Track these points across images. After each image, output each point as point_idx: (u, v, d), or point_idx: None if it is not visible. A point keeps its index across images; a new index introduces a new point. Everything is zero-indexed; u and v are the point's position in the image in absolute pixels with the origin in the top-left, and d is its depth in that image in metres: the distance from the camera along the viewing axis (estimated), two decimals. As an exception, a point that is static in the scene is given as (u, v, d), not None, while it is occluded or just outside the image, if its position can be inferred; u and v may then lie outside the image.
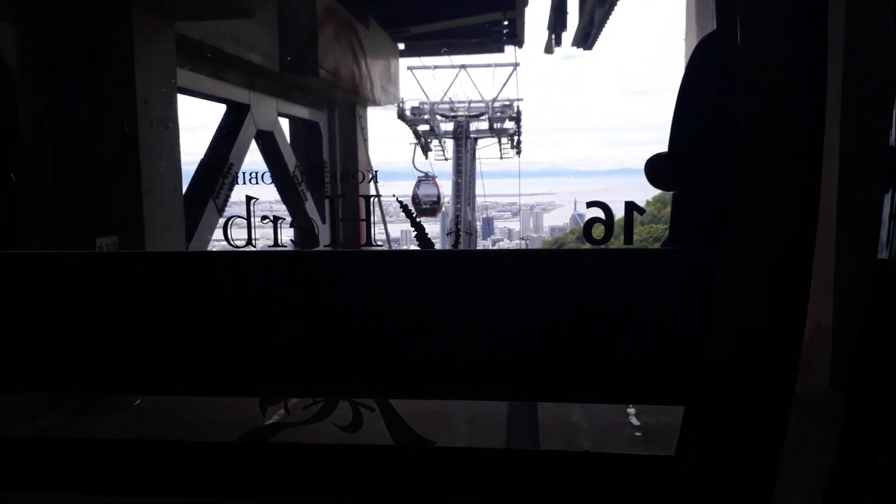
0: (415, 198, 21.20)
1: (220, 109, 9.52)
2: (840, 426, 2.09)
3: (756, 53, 2.09)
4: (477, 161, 23.80)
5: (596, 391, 2.55)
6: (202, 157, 8.90)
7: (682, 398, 2.37)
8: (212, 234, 8.17)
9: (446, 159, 23.69)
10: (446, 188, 23.05)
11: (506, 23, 16.62)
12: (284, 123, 11.42)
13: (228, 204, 8.50)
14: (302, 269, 2.61)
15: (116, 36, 5.82)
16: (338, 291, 2.53)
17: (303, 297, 2.54)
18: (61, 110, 5.68)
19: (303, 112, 11.85)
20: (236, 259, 2.71)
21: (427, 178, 21.58)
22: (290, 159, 11.10)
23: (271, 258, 2.69)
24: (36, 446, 2.89)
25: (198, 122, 10.23)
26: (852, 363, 2.06)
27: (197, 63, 7.72)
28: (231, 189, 8.59)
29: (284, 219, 2.82)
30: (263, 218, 2.86)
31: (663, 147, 2.36)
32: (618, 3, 13.71)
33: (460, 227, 21.47)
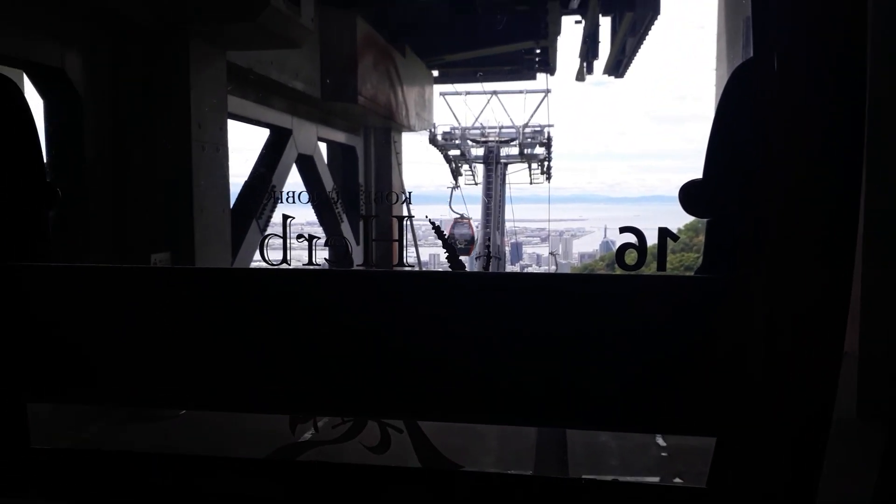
0: (450, 237, 23.20)
1: (256, 132, 9.90)
2: (879, 456, 2.03)
3: (792, 81, 2.08)
4: (507, 186, 24.00)
5: (626, 420, 2.52)
6: (246, 178, 9.24)
7: (714, 429, 2.35)
8: (254, 252, 8.50)
9: (476, 184, 23.92)
10: (475, 211, 23.43)
11: (538, 51, 16.90)
12: (322, 147, 11.79)
13: (270, 224, 8.83)
14: (334, 288, 2.60)
15: (174, 65, 6.18)
16: (368, 311, 2.52)
17: (334, 316, 2.53)
18: (122, 134, 6.05)
19: (340, 137, 12.21)
20: (268, 276, 2.73)
21: (462, 220, 22.45)
22: (328, 182, 11.44)
23: (304, 276, 2.70)
24: (70, 457, 2.90)
25: (238, 144, 10.64)
26: (892, 404, 2.04)
27: (244, 89, 8.08)
28: (273, 210, 8.93)
29: (319, 238, 2.83)
30: (299, 237, 2.88)
31: (693, 175, 2.34)
32: (649, 32, 13.89)
33: (490, 250, 21.62)
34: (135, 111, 6.09)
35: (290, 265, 2.82)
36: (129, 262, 5.86)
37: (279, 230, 2.90)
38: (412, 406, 2.62)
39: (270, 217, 9.27)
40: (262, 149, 9.79)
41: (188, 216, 6.22)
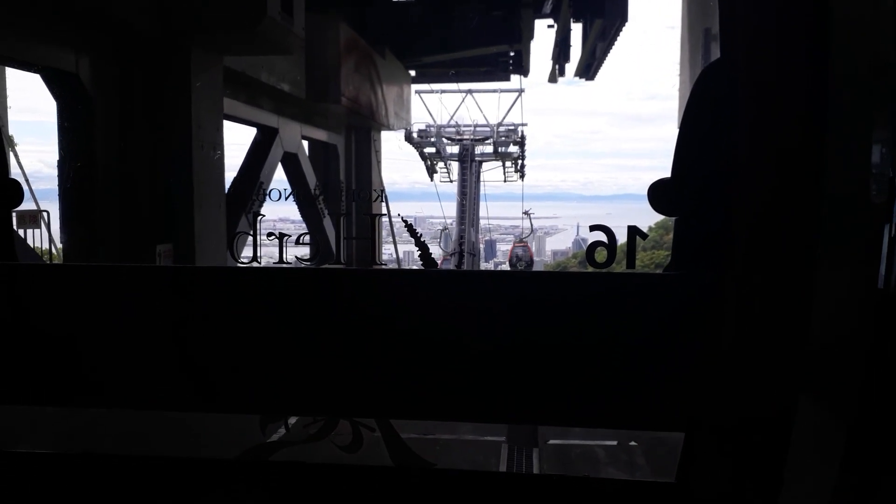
0: (511, 258, 24.15)
1: (239, 130, 10.29)
2: (840, 455, 2.01)
3: (756, 82, 2.10)
4: (481, 184, 24.36)
5: (595, 415, 2.52)
6: (235, 175, 9.68)
7: (683, 424, 2.35)
8: (244, 246, 8.94)
9: (451, 181, 24.27)
10: (450, 209, 23.86)
11: (512, 54, 17.45)
12: (305, 145, 12.25)
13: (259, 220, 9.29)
14: (304, 286, 2.56)
15: (177, 69, 6.66)
16: (340, 309, 2.47)
17: (305, 315, 2.48)
18: (129, 133, 6.52)
19: (323, 135, 12.70)
20: (238, 275, 2.68)
21: (521, 243, 24.24)
22: (311, 179, 11.93)
23: (274, 275, 2.64)
24: (32, 460, 2.83)
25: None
26: (856, 394, 1.98)
27: (236, 91, 8.54)
28: (261, 205, 9.42)
29: (290, 236, 2.79)
30: (269, 235, 2.84)
31: (663, 173, 2.35)
32: (618, 38, 14.48)
33: (464, 247, 21.96)
34: (140, 112, 6.56)
35: (259, 263, 2.80)
36: (135, 251, 6.35)
37: (267, 226, 2.93)
38: (384, 405, 2.58)
39: (258, 212, 9.74)
40: (250, 147, 10.27)
41: (188, 210, 6.70)
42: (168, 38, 6.50)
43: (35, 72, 5.90)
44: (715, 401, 2.23)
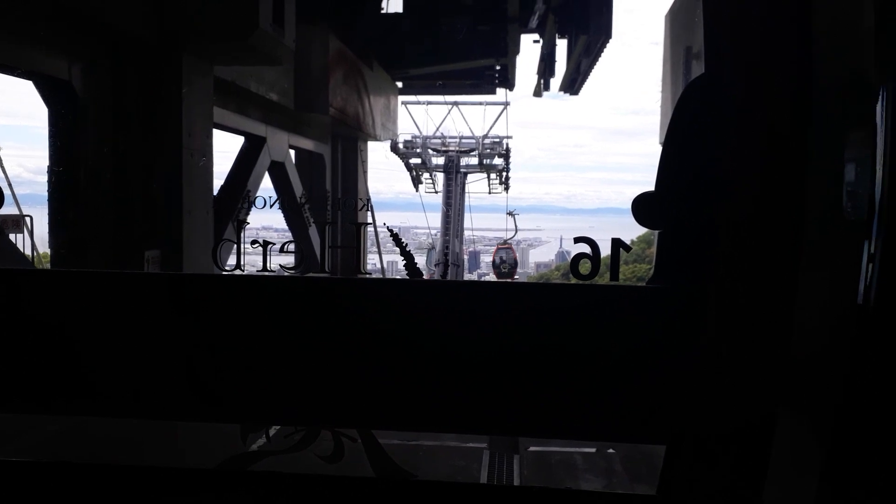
0: (494, 260, 24.08)
1: (225, 138, 10.36)
2: (819, 467, 2.02)
3: (740, 97, 2.13)
4: (466, 195, 24.54)
5: (577, 428, 2.52)
6: (223, 182, 9.76)
7: (664, 436, 2.36)
8: (229, 254, 9.01)
9: (436, 192, 24.45)
10: (434, 220, 23.98)
11: (498, 67, 17.71)
12: (292, 154, 12.35)
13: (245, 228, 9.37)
14: (288, 294, 2.54)
15: (168, 78, 6.75)
16: (322, 318, 2.46)
17: (286, 324, 2.47)
18: (120, 140, 6.60)
19: (309, 144, 12.79)
20: (221, 283, 2.66)
21: (505, 245, 24.00)
22: (298, 187, 12.02)
23: (256, 283, 2.63)
24: (5, 469, 2.78)
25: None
26: (835, 411, 1.99)
27: (225, 100, 8.64)
28: (248, 213, 9.50)
29: (274, 244, 2.78)
30: (253, 243, 2.82)
31: (646, 187, 2.37)
32: (602, 54, 14.76)
33: (448, 258, 22.10)
34: (131, 120, 6.63)
35: (243, 271, 2.78)
36: (124, 257, 6.41)
37: (262, 234, 2.88)
38: (366, 415, 2.57)
39: (245, 220, 9.82)
40: (238, 155, 10.35)
41: (178, 217, 6.77)
42: (160, 48, 6.58)
43: (27, 78, 5.97)
44: (696, 413, 2.24)
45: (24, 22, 5.50)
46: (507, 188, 23.99)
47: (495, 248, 24.86)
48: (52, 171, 6.40)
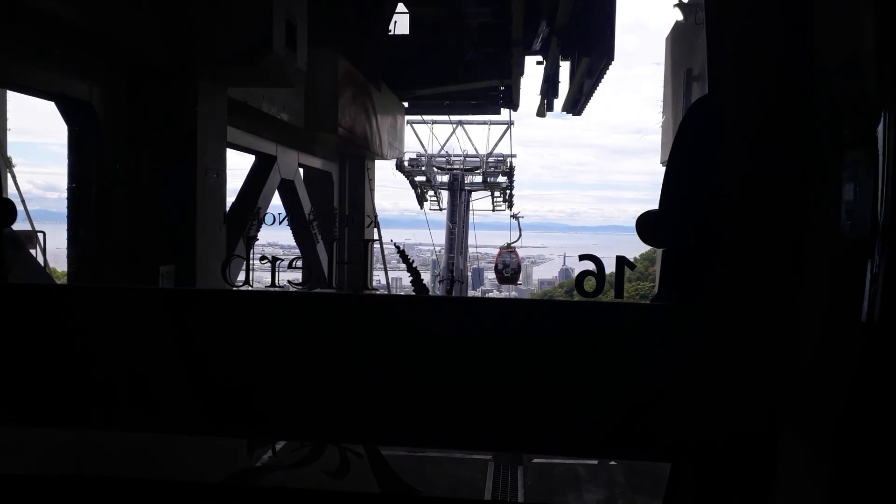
0: (497, 265, 23.67)
1: (233, 155, 10.55)
2: (826, 483, 2.02)
3: (744, 117, 2.14)
4: (470, 212, 24.71)
5: (581, 446, 2.51)
6: (234, 200, 9.96)
7: (669, 454, 2.36)
8: (240, 271, 9.20)
9: (441, 209, 24.64)
10: (439, 237, 24.07)
11: (502, 88, 17.97)
12: (301, 172, 12.59)
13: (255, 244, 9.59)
14: (295, 310, 2.54)
15: (184, 99, 6.98)
16: (329, 334, 2.46)
17: (293, 339, 2.47)
18: (136, 159, 6.82)
19: (318, 163, 13.04)
20: (228, 298, 2.64)
21: (508, 249, 23.38)
22: (307, 205, 12.24)
23: (264, 298, 2.63)
24: (14, 483, 2.78)
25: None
26: (837, 429, 1.98)
27: (237, 120, 8.88)
28: (258, 230, 9.71)
29: (283, 260, 2.79)
30: (262, 259, 2.81)
31: (649, 206, 2.38)
32: (605, 75, 14.98)
33: (453, 274, 22.20)
34: (148, 139, 6.86)
35: (251, 287, 2.80)
36: (141, 272, 6.59)
37: (268, 251, 3.14)
38: (372, 431, 2.55)
39: (256, 237, 10.05)
40: (249, 173, 10.58)
41: (192, 233, 6.97)
42: (177, 70, 6.81)
43: (50, 99, 6.21)
44: (701, 431, 2.24)
45: (48, 46, 5.75)
46: (510, 206, 24.15)
47: (498, 251, 24.18)
48: (72, 188, 6.61)
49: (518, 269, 23.67)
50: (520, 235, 23.07)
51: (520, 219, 22.96)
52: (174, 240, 6.91)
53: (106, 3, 5.83)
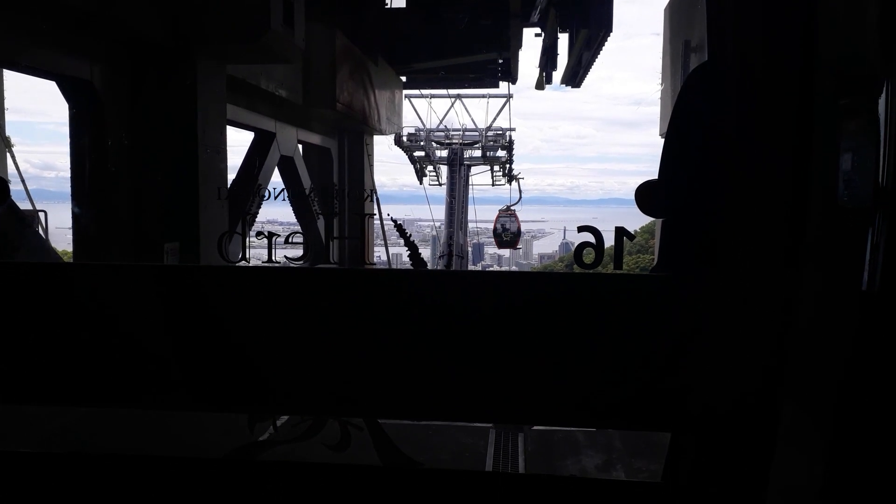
0: (496, 228, 22.69)
1: (236, 133, 10.58)
2: (825, 452, 2.03)
3: (744, 85, 2.12)
4: (470, 187, 24.69)
5: (582, 415, 2.53)
6: (234, 177, 10.02)
7: (669, 424, 2.38)
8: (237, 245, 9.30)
9: (440, 184, 24.62)
10: (439, 212, 24.02)
11: (500, 61, 17.90)
12: (300, 149, 12.62)
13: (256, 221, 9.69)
14: (293, 286, 2.53)
15: (184, 77, 7.02)
16: (329, 309, 2.45)
17: (292, 314, 2.46)
18: (138, 138, 6.88)
19: (317, 139, 13.06)
20: (226, 274, 2.66)
21: (508, 212, 22.24)
22: (306, 181, 12.30)
23: (263, 274, 2.63)
24: (18, 460, 2.81)
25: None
26: (837, 398, 1.99)
27: (236, 96, 8.90)
28: (259, 207, 9.80)
29: (279, 236, 2.78)
30: (258, 235, 2.83)
31: (649, 177, 2.39)
32: (603, 46, 14.95)
33: (452, 249, 22.27)
34: (149, 118, 6.91)
35: (248, 262, 2.82)
36: (145, 249, 6.70)
37: (266, 227, 2.97)
38: (372, 404, 2.58)
39: (257, 214, 10.13)
40: (248, 150, 10.63)
41: (194, 211, 7.05)
42: (176, 48, 6.84)
43: (51, 79, 6.26)
44: (701, 401, 2.24)
45: (48, 25, 5.78)
46: (510, 180, 24.11)
47: (496, 214, 22.89)
48: (74, 168, 6.69)
49: (518, 233, 22.75)
50: (520, 198, 22.39)
51: (520, 180, 22.29)
52: (178, 217, 7.00)
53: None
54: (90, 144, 6.61)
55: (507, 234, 22.73)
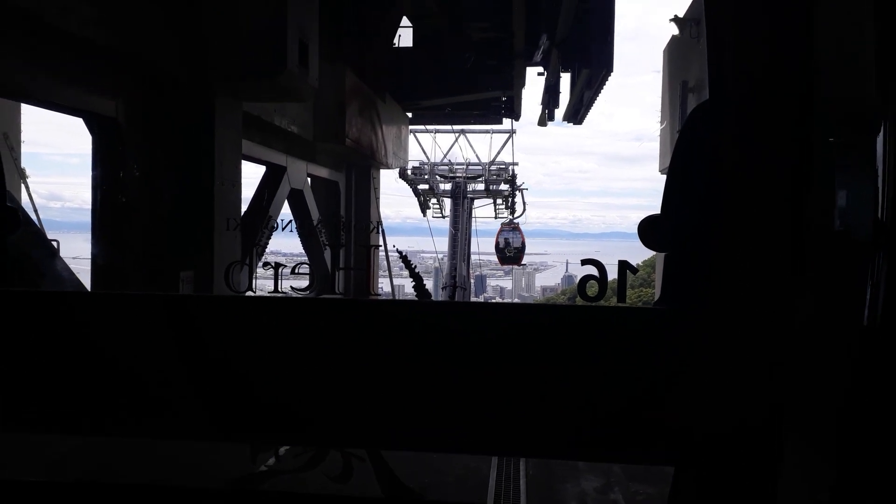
0: (498, 242, 21.26)
1: (248, 166, 10.88)
2: (828, 492, 2.02)
3: (743, 123, 2.14)
4: (473, 220, 24.96)
5: (584, 449, 2.50)
6: (246, 209, 10.32)
7: (672, 458, 2.35)
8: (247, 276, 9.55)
9: (444, 217, 24.91)
10: (442, 244, 24.16)
11: (504, 99, 18.35)
12: (309, 182, 12.96)
13: (266, 251, 9.97)
14: (298, 316, 2.55)
15: (202, 113, 7.36)
16: (332, 339, 2.46)
17: (296, 345, 2.47)
18: (157, 170, 7.19)
19: (325, 173, 13.43)
20: (232, 304, 2.67)
21: (511, 225, 20.88)
22: (315, 213, 12.62)
23: (269, 304, 2.65)
24: (22, 489, 2.80)
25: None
26: (841, 429, 1.99)
27: (250, 132, 9.26)
28: (269, 238, 10.09)
29: (285, 266, 2.81)
30: (265, 265, 2.86)
31: (651, 212, 2.41)
32: (604, 86, 15.33)
33: (455, 280, 22.43)
34: (168, 151, 7.23)
35: (254, 293, 2.85)
36: (162, 278, 6.96)
37: (270, 258, 3.26)
38: (374, 436, 2.56)
39: (267, 244, 10.43)
40: (260, 183, 10.96)
41: (209, 240, 7.33)
42: (196, 86, 7.20)
43: (78, 115, 6.60)
44: (704, 434, 2.24)
45: (79, 66, 6.14)
46: (512, 213, 24.34)
47: (499, 228, 21.44)
48: (95, 199, 6.99)
49: (522, 248, 21.46)
50: (524, 209, 21.26)
51: (524, 190, 21.18)
52: (193, 247, 7.27)
53: (134, 25, 6.22)
54: (111, 176, 6.91)
55: (511, 250, 21.60)
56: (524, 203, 21.23)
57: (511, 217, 22.77)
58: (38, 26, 5.20)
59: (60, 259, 6.03)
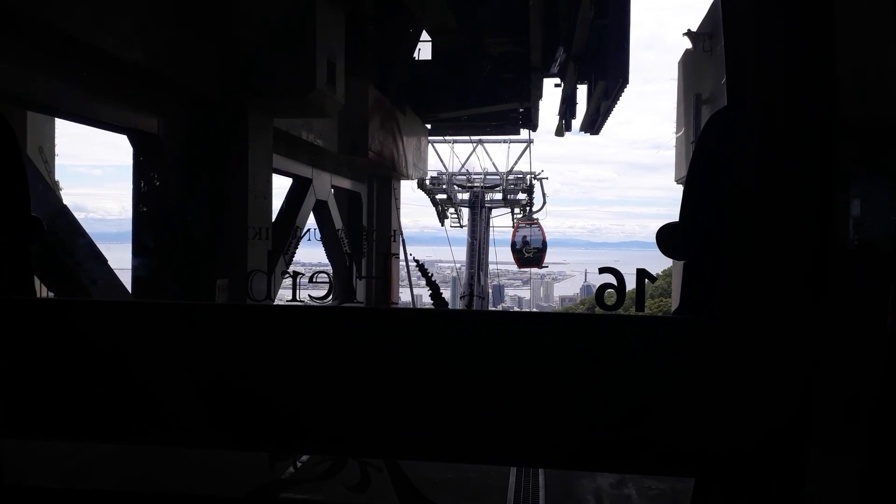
0: (515, 241, 19.21)
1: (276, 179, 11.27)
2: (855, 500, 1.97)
3: (762, 129, 2.13)
4: (491, 229, 25.16)
5: (604, 460, 2.46)
6: (273, 220, 10.74)
7: (693, 469, 2.33)
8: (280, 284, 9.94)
9: (462, 226, 25.10)
10: (460, 254, 24.27)
11: (521, 110, 18.66)
12: (332, 193, 13.38)
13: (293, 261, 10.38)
14: (318, 325, 2.55)
15: (236, 129, 7.81)
16: (349, 348, 2.45)
17: (315, 354, 2.47)
18: (194, 184, 7.63)
19: (348, 184, 13.86)
20: (249, 312, 2.68)
21: (531, 222, 18.46)
22: (338, 224, 13.03)
23: (288, 313, 2.65)
24: (43, 495, 2.82)
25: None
26: (867, 440, 1.93)
27: (278, 146, 9.69)
28: (296, 247, 10.50)
29: (303, 275, 2.79)
30: (283, 273, 2.86)
31: (670, 220, 2.39)
32: (620, 96, 15.60)
33: (473, 290, 22.64)
34: (205, 165, 7.68)
35: (273, 301, 2.86)
36: (199, 286, 7.37)
37: (298, 268, 3.22)
38: (392, 445, 2.54)
39: (294, 253, 10.84)
40: (287, 195, 11.40)
41: (243, 250, 7.75)
42: (231, 104, 7.65)
43: (123, 133, 7.06)
44: (725, 445, 2.21)
45: (126, 87, 6.59)
46: (530, 208, 24.17)
47: (514, 226, 19.02)
48: (136, 211, 7.43)
49: (543, 247, 19.13)
50: (544, 203, 19.06)
51: (543, 180, 18.86)
52: (228, 256, 7.68)
53: (177, 50, 6.67)
54: (151, 190, 7.35)
55: (529, 250, 19.19)
56: (544, 194, 19.43)
57: (529, 210, 20.91)
58: (96, 55, 5.68)
59: (109, 267, 6.46)
